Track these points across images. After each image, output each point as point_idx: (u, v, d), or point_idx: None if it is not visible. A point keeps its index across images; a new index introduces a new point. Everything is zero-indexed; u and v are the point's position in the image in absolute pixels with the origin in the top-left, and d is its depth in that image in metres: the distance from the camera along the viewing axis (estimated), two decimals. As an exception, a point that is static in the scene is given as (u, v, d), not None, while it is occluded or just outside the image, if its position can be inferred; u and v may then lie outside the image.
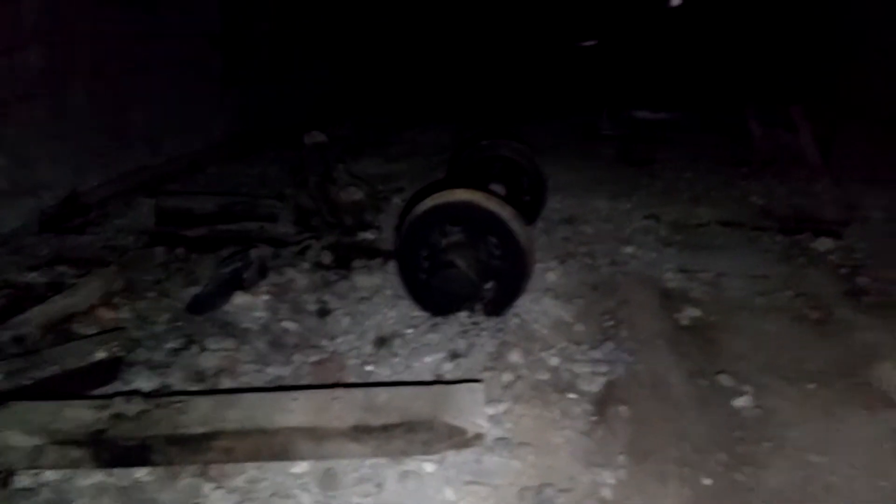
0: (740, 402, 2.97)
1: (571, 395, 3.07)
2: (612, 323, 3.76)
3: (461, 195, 3.74)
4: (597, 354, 3.40)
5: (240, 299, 3.93)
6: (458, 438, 2.65)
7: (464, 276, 3.56)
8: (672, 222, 5.59)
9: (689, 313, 3.90)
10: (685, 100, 11.22)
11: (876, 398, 2.99)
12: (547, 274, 4.41)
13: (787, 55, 9.76)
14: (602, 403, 2.99)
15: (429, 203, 3.80)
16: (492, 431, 2.74)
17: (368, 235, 5.18)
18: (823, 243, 4.97)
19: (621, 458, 2.60)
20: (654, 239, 5.21)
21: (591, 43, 15.13)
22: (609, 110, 9.85)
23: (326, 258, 4.63)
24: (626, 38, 14.46)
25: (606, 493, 2.43)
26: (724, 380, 3.15)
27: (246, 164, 7.43)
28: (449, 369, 3.30)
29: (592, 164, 7.80)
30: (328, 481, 2.55)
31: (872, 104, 8.82)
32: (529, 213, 5.27)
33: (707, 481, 2.48)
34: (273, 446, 2.64)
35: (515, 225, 3.65)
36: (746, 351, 3.45)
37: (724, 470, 2.54)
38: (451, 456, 2.64)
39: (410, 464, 2.61)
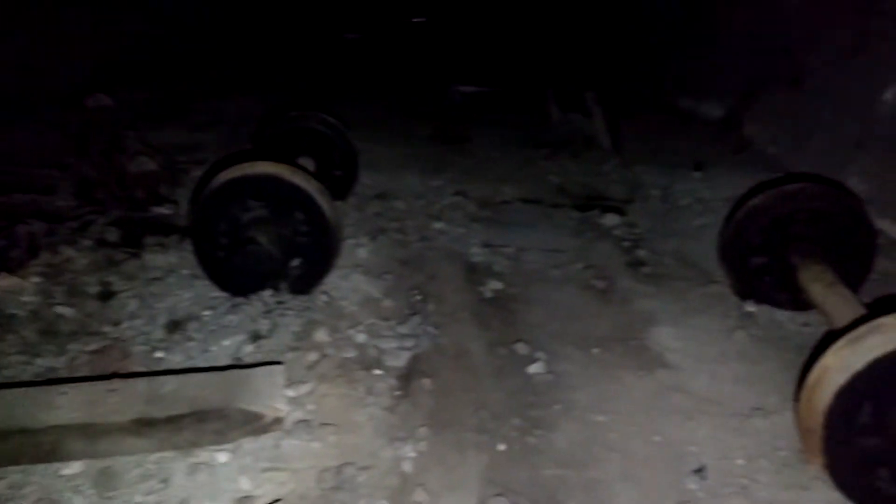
0: (534, 368, 3.14)
1: (377, 372, 3.05)
2: (419, 297, 3.80)
3: (264, 168, 3.53)
4: (404, 329, 3.42)
5: (4, 282, 3.42)
6: (255, 424, 2.52)
7: (266, 254, 3.37)
8: (480, 199, 5.77)
9: (492, 286, 4.05)
10: (501, 77, 11.68)
11: (652, 359, 3.32)
12: (357, 250, 4.35)
13: (587, 43, 10.55)
14: (407, 378, 3.01)
15: (228, 175, 3.54)
16: (293, 414, 2.64)
17: (164, 210, 4.75)
18: (610, 219, 5.42)
19: (423, 431, 2.63)
20: (463, 215, 5.35)
21: (420, 20, 15.22)
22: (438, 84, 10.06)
23: (112, 235, 4.17)
24: (453, 18, 14.72)
25: (407, 466, 2.45)
26: (521, 348, 3.32)
27: (19, 129, 6.47)
28: (249, 352, 3.13)
29: (408, 140, 7.83)
30: (105, 481, 2.30)
31: (654, 95, 9.85)
32: (341, 189, 5.17)
33: (502, 446, 2.59)
34: (39, 447, 2.34)
35: (322, 200, 3.53)
36: (542, 320, 3.66)
37: (518, 434, 2.68)
38: (248, 443, 2.51)
39: (201, 455, 2.43)
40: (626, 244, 4.91)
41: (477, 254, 4.56)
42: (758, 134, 7.25)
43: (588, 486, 2.40)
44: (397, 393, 2.90)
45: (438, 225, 5.05)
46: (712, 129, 7.90)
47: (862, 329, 2.19)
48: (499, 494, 2.35)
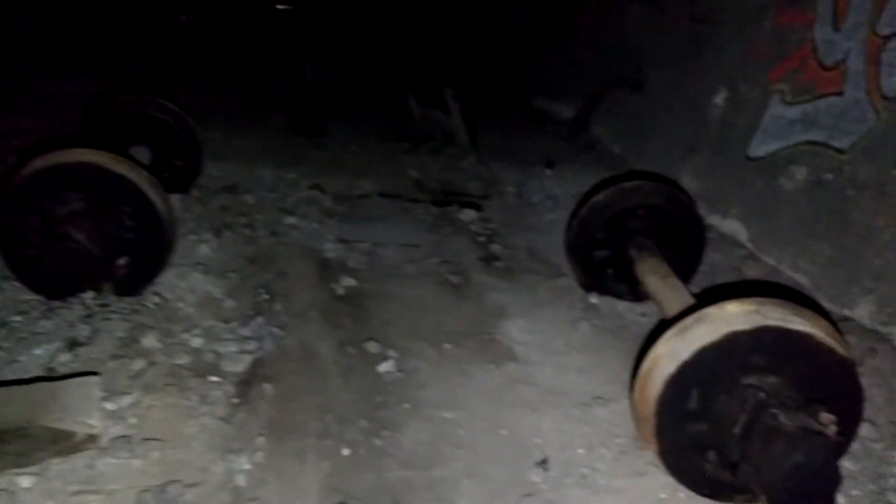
0: (384, 367, 3.05)
1: (213, 379, 2.82)
2: (266, 297, 3.59)
3: (82, 155, 3.16)
4: (246, 331, 3.20)
5: None
6: (64, 444, 2.23)
7: (84, 251, 3.02)
8: (336, 193, 5.60)
9: (346, 283, 3.91)
10: (362, 68, 11.51)
11: (501, 352, 3.34)
12: (199, 246, 4.04)
13: (446, 41, 10.63)
14: (246, 384, 2.81)
15: (40, 163, 3.14)
16: (110, 430, 2.36)
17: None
18: (467, 214, 5.47)
19: (261, 441, 2.45)
20: (318, 209, 5.16)
21: (286, 7, 14.68)
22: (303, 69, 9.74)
23: None
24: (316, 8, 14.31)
25: (241, 480, 2.26)
26: (372, 346, 3.22)
27: None
28: (65, 361, 2.78)
29: (262, 131, 7.48)
30: None
31: (511, 95, 10.14)
32: (182, 180, 4.79)
33: (346, 451, 2.47)
34: None
35: (152, 191, 3.22)
36: (395, 317, 3.58)
37: (365, 437, 2.57)
38: (56, 465, 2.21)
39: (0, 481, 2.10)
40: (482, 239, 4.96)
41: (331, 249, 4.40)
42: (604, 134, 7.64)
43: (433, 486, 2.35)
44: (235, 400, 2.69)
45: (291, 220, 4.82)
46: (564, 129, 8.25)
47: (689, 319, 2.31)
48: (340, 503, 2.23)
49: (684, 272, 4.00)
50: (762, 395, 2.12)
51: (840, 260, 4.01)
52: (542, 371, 3.17)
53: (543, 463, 2.53)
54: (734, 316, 2.25)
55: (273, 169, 6.02)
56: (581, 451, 2.62)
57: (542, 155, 7.03)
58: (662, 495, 2.40)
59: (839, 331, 2.33)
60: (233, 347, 3.04)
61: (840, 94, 4.24)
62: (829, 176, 4.28)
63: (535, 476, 2.45)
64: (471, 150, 7.16)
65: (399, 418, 2.72)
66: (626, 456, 2.58)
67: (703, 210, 5.46)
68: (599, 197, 3.79)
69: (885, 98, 3.87)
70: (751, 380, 2.23)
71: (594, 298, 3.94)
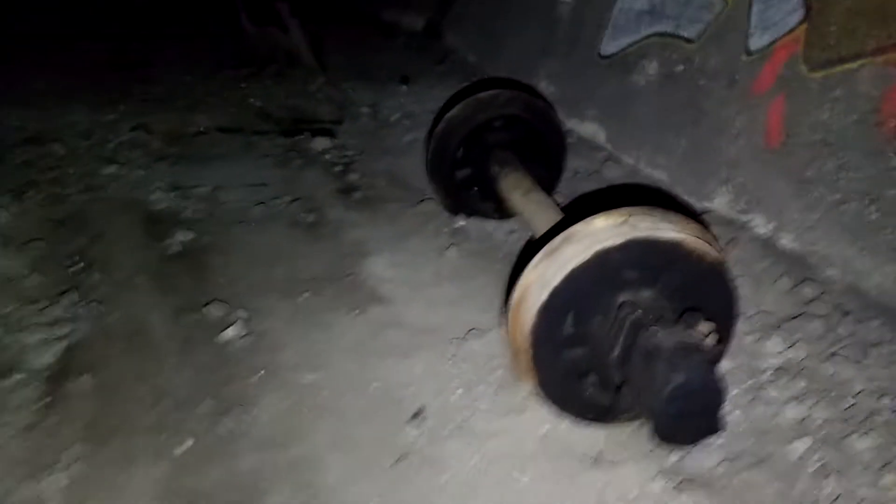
0: (230, 333, 2.67)
1: (16, 377, 2.32)
2: (80, 267, 3.03)
3: None
4: (56, 312, 2.68)
5: None
6: None
7: None
8: (166, 133, 4.92)
9: (180, 238, 3.41)
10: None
11: (365, 295, 3.03)
12: (-8, 215, 3.36)
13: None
14: (58, 378, 2.33)
15: None
16: None
17: None
18: (320, 143, 4.99)
19: (78, 448, 2.03)
20: (144, 154, 4.50)
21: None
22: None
23: None
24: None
25: (55, 501, 1.85)
26: (215, 310, 2.81)
27: None
28: None
29: (74, 67, 6.46)
30: None
31: (355, 6, 9.41)
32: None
33: (189, 442, 2.11)
34: None
35: None
36: (241, 271, 3.16)
37: (209, 421, 2.21)
38: None
39: None
40: (337, 169, 4.54)
41: (161, 200, 3.83)
42: (458, 43, 7.27)
43: (294, 467, 2.05)
44: (44, 402, 2.22)
45: (110, 169, 4.16)
46: (416, 41, 7.78)
47: (556, 240, 2.10)
48: (184, 507, 1.89)
49: (548, 182, 3.84)
50: (638, 313, 1.97)
51: (696, 152, 4.00)
52: (411, 309, 2.91)
53: (418, 415, 2.30)
54: (602, 231, 2.05)
55: (88, 112, 5.21)
56: (459, 392, 2.42)
57: (395, 70, 6.57)
58: (544, 429, 2.25)
59: (709, 231, 2.22)
60: (40, 335, 2.53)
61: (686, -20, 4.12)
62: (680, 68, 4.21)
63: (411, 432, 2.23)
64: (318, 70, 6.56)
65: (250, 392, 2.37)
66: (504, 392, 2.41)
67: (561, 114, 5.31)
68: (454, 112, 3.48)
69: (730, -19, 3.78)
70: (625, 296, 2.08)
71: (461, 221, 3.70)
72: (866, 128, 3.02)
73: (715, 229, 3.58)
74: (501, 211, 3.63)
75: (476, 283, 3.14)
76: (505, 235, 3.60)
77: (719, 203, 3.80)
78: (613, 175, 4.35)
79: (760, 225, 3.54)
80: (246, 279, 3.08)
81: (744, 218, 3.65)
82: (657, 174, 4.28)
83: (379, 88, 6.19)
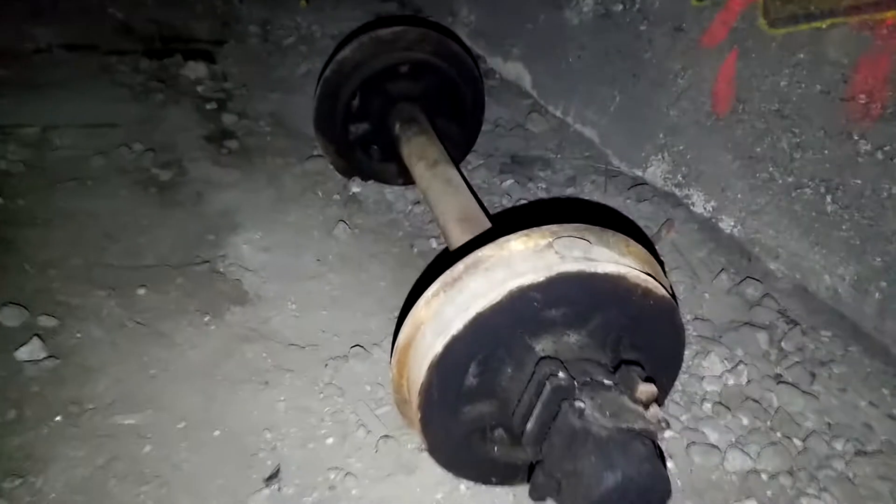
0: (26, 351, 1.98)
1: None
2: None
3: None
4: None
5: None
6: None
7: None
8: (-8, 49, 3.92)
9: (-17, 202, 2.62)
10: None
11: (223, 292, 2.38)
12: None
13: None
14: None
15: None
16: None
17: None
18: (193, 69, 4.13)
19: None
20: (-48, 79, 3.54)
21: None
22: None
23: None
24: None
25: None
26: (10, 316, 2.10)
27: None
28: None
29: None
30: None
31: None
32: None
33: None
34: None
35: None
36: (59, 253, 2.43)
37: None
38: None
39: None
40: (211, 107, 3.74)
41: (-35, 146, 2.98)
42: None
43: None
44: None
45: None
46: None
47: (458, 268, 1.54)
48: None
49: (462, 142, 3.24)
50: (560, 377, 1.45)
51: (631, 110, 3.47)
52: (283, 314, 2.31)
53: (273, 478, 1.75)
54: (520, 259, 1.51)
55: None
56: (330, 441, 1.88)
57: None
58: (439, 496, 1.75)
59: (656, 256, 1.72)
60: None
61: None
62: (619, 7, 3.60)
63: (263, 502, 1.68)
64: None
65: (40, 447, 1.73)
66: (391, 442, 1.88)
67: (482, 50, 4.65)
68: (347, 53, 2.77)
69: None
70: (545, 343, 1.56)
71: (356, 186, 3.06)
72: (831, 102, 2.56)
73: (648, 205, 3.13)
74: (405, 175, 3.02)
75: (367, 275, 2.56)
76: (407, 206, 3.00)
77: (653, 173, 3.33)
78: (539, 129, 3.78)
79: (699, 203, 3.10)
80: (63, 267, 2.36)
81: (679, 193, 3.20)
82: (586, 131, 3.75)
83: (273, 3, 5.27)
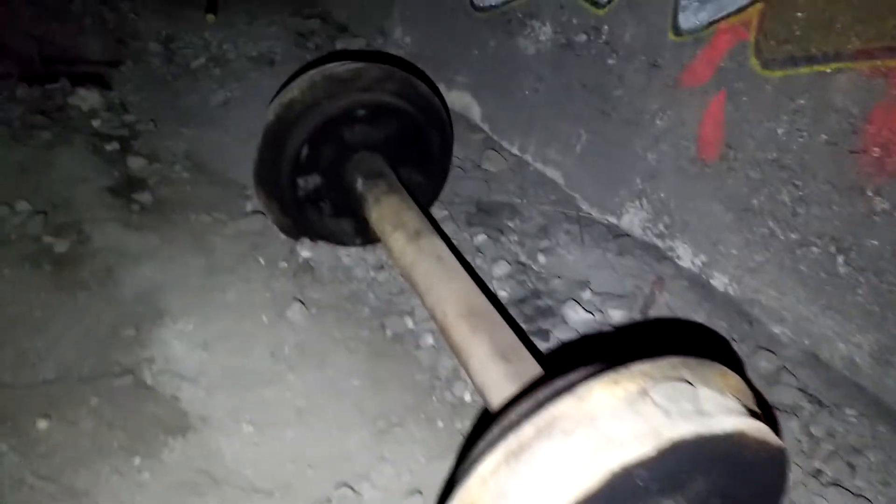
0: None
1: None
2: None
3: None
4: None
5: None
6: None
7: None
8: None
9: None
10: None
11: (156, 414, 1.84)
12: None
13: None
14: None
15: None
16: None
17: None
18: (86, 98, 3.47)
19: None
20: None
21: None
22: None
23: None
24: None
25: None
26: None
27: None
28: None
29: None
30: None
31: None
32: None
33: None
34: None
35: None
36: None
37: None
38: None
39: None
40: (112, 147, 3.11)
41: None
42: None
43: None
44: None
45: None
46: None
47: (527, 432, 1.14)
48: None
49: (428, 192, 2.82)
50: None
51: (601, 151, 3.19)
52: (237, 440, 1.80)
53: None
54: (610, 416, 1.12)
55: None
56: None
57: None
58: None
59: (754, 389, 1.39)
60: None
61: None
62: (583, 37, 3.31)
63: None
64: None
65: None
66: None
67: (433, 76, 4.24)
68: (295, 94, 2.29)
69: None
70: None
71: (305, 250, 2.57)
72: (839, 154, 2.35)
73: (631, 259, 2.84)
74: (363, 234, 2.57)
75: (335, 371, 2.09)
76: (368, 272, 2.54)
77: (630, 221, 3.05)
78: (497, 169, 3.42)
79: (685, 256, 2.85)
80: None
81: (662, 244, 2.94)
82: (549, 172, 3.43)
83: (175, 15, 4.62)
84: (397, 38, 4.41)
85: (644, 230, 3.00)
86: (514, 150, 3.60)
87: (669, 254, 2.90)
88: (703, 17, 2.77)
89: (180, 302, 2.22)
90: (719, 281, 2.73)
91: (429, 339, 2.21)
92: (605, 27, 3.17)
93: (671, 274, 2.78)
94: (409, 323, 2.30)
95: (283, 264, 2.49)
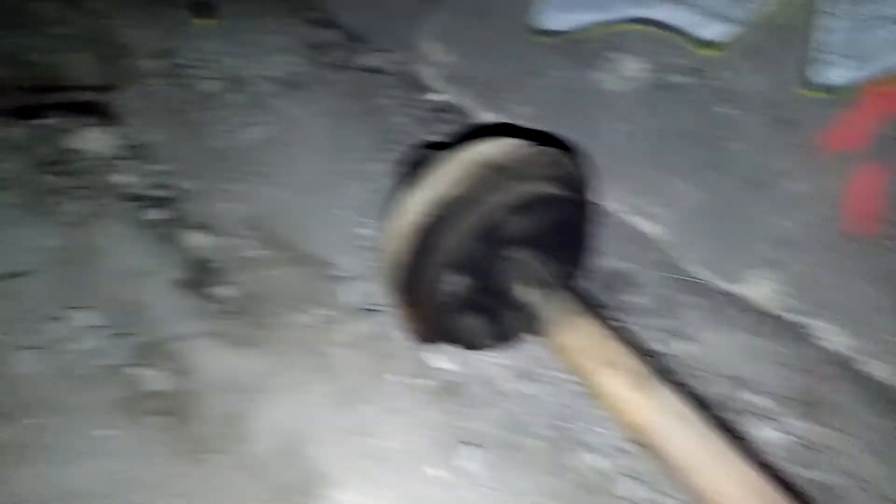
0: None
1: None
2: None
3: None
4: None
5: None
6: None
7: None
8: None
9: None
10: None
11: None
12: None
13: None
14: None
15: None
16: None
17: None
18: (93, 140, 2.84)
19: None
20: None
21: None
22: None
23: None
24: None
25: None
26: None
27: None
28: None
29: None
30: None
31: None
32: None
33: None
34: None
35: None
36: None
37: None
38: None
39: None
40: (156, 216, 2.54)
41: None
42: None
43: None
44: None
45: None
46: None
47: None
48: None
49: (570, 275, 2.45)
50: None
51: (716, 210, 2.91)
52: None
53: None
54: None
55: None
56: None
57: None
58: None
59: None
60: None
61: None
62: (679, 79, 3.00)
63: None
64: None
65: None
66: None
67: (466, 100, 3.80)
68: (450, 187, 1.85)
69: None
70: None
71: (440, 360, 2.16)
72: None
73: (770, 343, 2.59)
74: (500, 333, 2.19)
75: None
76: (515, 385, 2.17)
77: (755, 290, 2.80)
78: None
79: (826, 336, 2.63)
80: None
81: (794, 318, 2.71)
82: (643, 224, 3.13)
83: (162, 22, 3.95)
84: (432, 56, 3.93)
85: (772, 301, 2.76)
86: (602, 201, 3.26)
87: (805, 332, 2.67)
88: (852, 73, 2.52)
89: (331, 460, 1.77)
90: (874, 368, 2.53)
91: (628, 484, 1.89)
92: (712, 71, 2.88)
93: (814, 357, 2.56)
94: (602, 462, 1.95)
95: (421, 381, 2.08)
